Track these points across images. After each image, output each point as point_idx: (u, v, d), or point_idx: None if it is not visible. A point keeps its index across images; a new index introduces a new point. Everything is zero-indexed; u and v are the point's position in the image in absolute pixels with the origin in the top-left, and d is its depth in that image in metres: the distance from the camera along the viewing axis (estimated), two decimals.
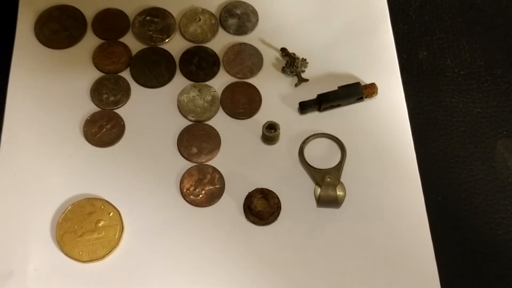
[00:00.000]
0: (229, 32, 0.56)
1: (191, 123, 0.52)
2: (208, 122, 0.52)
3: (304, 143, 0.51)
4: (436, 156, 0.52)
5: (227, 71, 0.54)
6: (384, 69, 0.55)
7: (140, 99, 0.53)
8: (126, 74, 0.54)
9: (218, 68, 0.54)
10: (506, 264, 0.49)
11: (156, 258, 0.47)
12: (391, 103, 0.53)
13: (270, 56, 0.55)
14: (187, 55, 0.55)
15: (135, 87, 0.53)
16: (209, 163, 0.51)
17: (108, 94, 0.53)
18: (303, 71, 0.54)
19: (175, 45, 0.55)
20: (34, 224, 0.48)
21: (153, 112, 0.52)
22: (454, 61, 0.56)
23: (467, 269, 0.49)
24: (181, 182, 0.50)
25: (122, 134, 0.51)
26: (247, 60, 0.55)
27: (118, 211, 0.48)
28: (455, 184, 0.51)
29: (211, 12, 0.57)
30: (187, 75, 0.54)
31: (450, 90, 0.55)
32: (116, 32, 0.55)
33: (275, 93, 0.54)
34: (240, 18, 0.56)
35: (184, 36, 0.56)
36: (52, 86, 0.53)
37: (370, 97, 0.53)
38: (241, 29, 0.56)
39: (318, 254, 0.48)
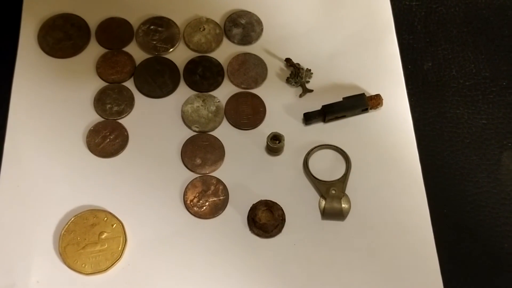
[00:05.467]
0: (233, 42, 0.56)
1: (195, 133, 0.52)
2: (212, 133, 0.52)
3: (308, 154, 0.51)
4: (441, 168, 0.52)
5: (231, 81, 0.54)
6: (389, 80, 0.54)
7: (144, 109, 0.53)
8: (130, 84, 0.54)
9: (222, 78, 0.54)
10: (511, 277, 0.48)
11: (159, 271, 0.47)
12: (396, 115, 0.53)
13: (274, 66, 0.55)
14: (191, 65, 0.54)
15: (139, 97, 0.53)
16: (213, 174, 0.50)
17: (111, 104, 0.52)
18: (308, 82, 0.54)
19: (179, 55, 0.55)
20: (37, 235, 0.48)
21: (157, 122, 0.52)
22: (459, 72, 0.56)
23: (472, 282, 0.48)
24: (185, 193, 0.49)
25: (126, 145, 0.51)
26: (251, 70, 0.54)
27: (121, 223, 0.48)
28: (460, 196, 0.51)
29: (216, 22, 0.56)
30: (191, 85, 0.54)
31: (455, 101, 0.55)
32: (120, 42, 0.55)
33: (280, 103, 0.53)
34: (245, 28, 0.56)
35: (188, 46, 0.55)
36: (55, 95, 0.53)
37: (375, 108, 0.53)
38: (246, 39, 0.56)
39: (323, 267, 0.48)
